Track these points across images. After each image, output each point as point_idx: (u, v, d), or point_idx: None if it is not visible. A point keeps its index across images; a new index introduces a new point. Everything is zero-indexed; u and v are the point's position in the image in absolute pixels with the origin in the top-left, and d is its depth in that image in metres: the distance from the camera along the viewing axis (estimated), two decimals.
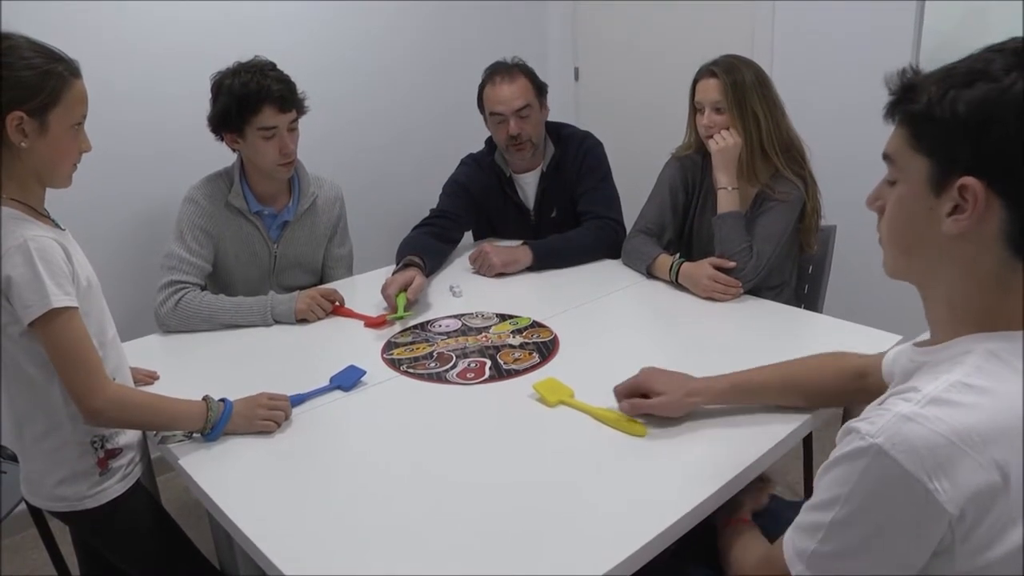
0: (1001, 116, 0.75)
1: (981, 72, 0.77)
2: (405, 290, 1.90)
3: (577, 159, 2.37)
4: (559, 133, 2.41)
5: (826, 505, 0.81)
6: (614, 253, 2.25)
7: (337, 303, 1.94)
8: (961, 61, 0.80)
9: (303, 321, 1.89)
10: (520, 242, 2.24)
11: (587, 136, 2.42)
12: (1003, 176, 0.76)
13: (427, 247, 2.20)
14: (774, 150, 1.95)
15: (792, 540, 0.87)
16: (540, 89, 2.33)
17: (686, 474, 1.20)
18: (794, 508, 0.92)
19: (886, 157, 0.87)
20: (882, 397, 0.83)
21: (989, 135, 0.76)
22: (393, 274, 1.98)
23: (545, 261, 2.20)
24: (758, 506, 1.28)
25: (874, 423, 0.77)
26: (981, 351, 0.80)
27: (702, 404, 1.35)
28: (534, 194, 2.42)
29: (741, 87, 1.91)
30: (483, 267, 2.18)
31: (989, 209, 0.78)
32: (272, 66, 1.95)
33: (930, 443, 0.74)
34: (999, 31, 2.19)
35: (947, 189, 0.79)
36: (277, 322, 1.88)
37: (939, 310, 0.88)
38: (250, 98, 1.88)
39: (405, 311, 1.86)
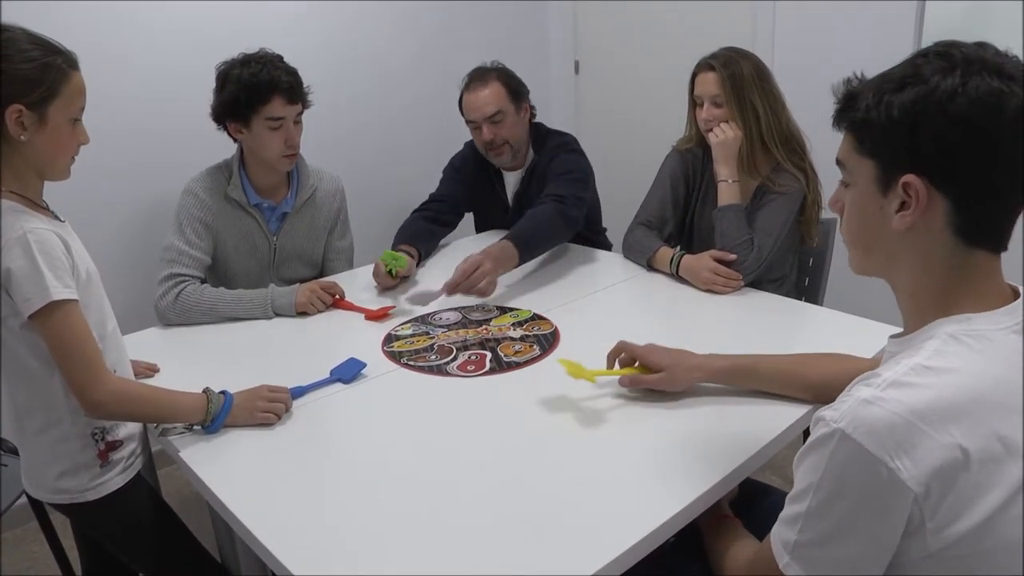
0: (931, 115, 0.80)
1: (911, 76, 0.82)
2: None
3: (550, 165, 2.28)
4: (545, 141, 2.36)
5: (801, 495, 0.85)
6: (568, 226, 2.16)
7: (337, 296, 1.94)
8: (894, 68, 0.86)
9: (303, 314, 1.89)
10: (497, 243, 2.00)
11: (563, 144, 2.33)
12: (940, 171, 0.82)
13: (420, 232, 2.27)
14: (774, 143, 1.94)
15: (778, 533, 0.89)
16: (516, 94, 2.28)
17: (686, 466, 1.20)
18: None
19: (839, 162, 0.93)
20: (850, 385, 0.86)
21: (922, 134, 0.81)
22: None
23: (528, 253, 2.02)
24: (732, 496, 1.30)
25: (837, 409, 0.81)
26: (941, 335, 0.84)
27: (702, 380, 1.38)
28: (512, 194, 2.43)
29: (739, 80, 1.91)
30: (477, 283, 1.85)
31: (933, 202, 0.83)
32: (280, 58, 1.97)
33: (889, 423, 0.77)
34: (1001, 28, 2.22)
35: (892, 187, 0.85)
36: (277, 314, 1.88)
37: (904, 301, 0.93)
38: (260, 88, 1.89)
39: (396, 266, 1.97)
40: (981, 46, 0.83)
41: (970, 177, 0.81)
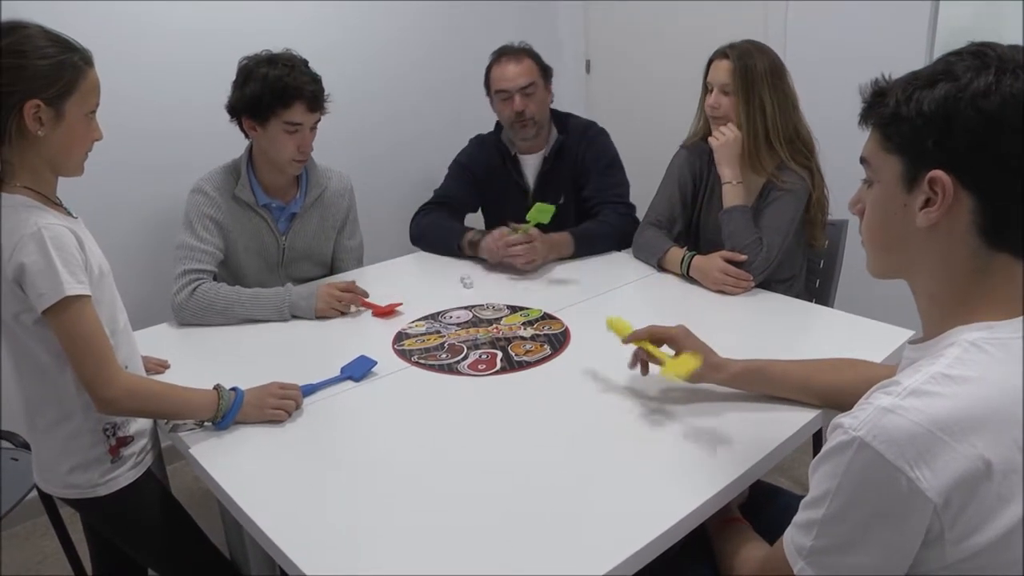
0: (962, 111, 0.79)
1: (943, 73, 0.82)
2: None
3: (581, 146, 2.38)
4: (565, 122, 2.43)
5: (817, 501, 0.84)
6: (628, 241, 2.24)
7: (362, 298, 1.92)
8: (925, 67, 0.85)
9: (322, 318, 1.88)
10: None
11: (591, 124, 2.45)
12: (968, 167, 0.81)
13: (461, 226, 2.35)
14: (779, 141, 1.93)
15: (791, 538, 0.89)
16: (545, 71, 2.36)
17: (694, 471, 1.20)
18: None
19: (863, 161, 0.92)
20: (868, 392, 0.85)
21: (952, 130, 0.80)
22: (472, 240, 2.22)
23: (583, 248, 2.23)
24: (742, 500, 1.29)
25: (857, 417, 0.80)
26: (963, 342, 0.83)
27: (720, 381, 1.37)
28: (535, 176, 2.43)
29: (751, 73, 1.90)
30: (527, 257, 2.09)
31: (958, 200, 0.82)
32: (306, 63, 1.95)
33: (910, 433, 0.76)
34: (1014, 29, 2.20)
35: (918, 184, 0.84)
36: (295, 317, 1.88)
37: (924, 303, 0.91)
38: (286, 91, 1.88)
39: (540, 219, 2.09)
40: (1015, 48, 0.82)
41: (999, 175, 0.80)
